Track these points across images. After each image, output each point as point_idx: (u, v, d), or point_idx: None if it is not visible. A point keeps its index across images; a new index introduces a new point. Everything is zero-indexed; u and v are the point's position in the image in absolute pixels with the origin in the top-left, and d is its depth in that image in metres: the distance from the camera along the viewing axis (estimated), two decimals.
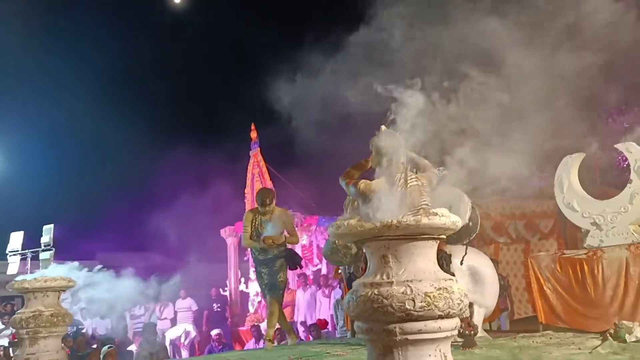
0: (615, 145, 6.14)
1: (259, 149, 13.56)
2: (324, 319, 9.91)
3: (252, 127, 13.54)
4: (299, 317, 10.82)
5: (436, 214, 2.52)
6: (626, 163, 12.18)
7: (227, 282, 13.28)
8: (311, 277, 11.83)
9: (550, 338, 5.36)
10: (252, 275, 13.06)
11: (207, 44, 19.13)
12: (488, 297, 5.66)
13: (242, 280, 13.37)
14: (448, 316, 2.44)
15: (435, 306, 2.40)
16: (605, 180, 9.17)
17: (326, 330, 9.50)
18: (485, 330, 6.02)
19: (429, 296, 2.41)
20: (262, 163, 13.42)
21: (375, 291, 2.47)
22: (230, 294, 13.10)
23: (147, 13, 17.95)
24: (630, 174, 6.09)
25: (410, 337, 2.42)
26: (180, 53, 19.49)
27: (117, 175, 17.99)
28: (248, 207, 13.85)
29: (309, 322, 10.38)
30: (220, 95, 19.56)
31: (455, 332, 2.54)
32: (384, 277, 2.52)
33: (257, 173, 13.43)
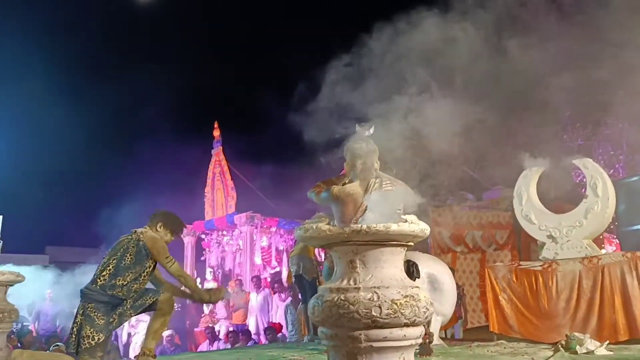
0: (573, 161, 6.30)
1: (221, 147, 13.39)
2: (279, 323, 9.83)
3: (215, 125, 13.37)
4: (250, 320, 10.71)
5: (405, 221, 2.50)
6: (580, 178, 12.62)
7: None
8: (268, 279, 11.73)
9: (505, 348, 5.45)
10: (209, 275, 12.87)
11: (172, 40, 18.83)
12: (446, 305, 5.72)
13: (198, 280, 13.15)
14: (414, 324, 2.42)
15: (402, 314, 2.37)
16: (560, 194, 9.46)
17: (281, 334, 9.42)
18: (441, 338, 6.08)
19: (396, 303, 2.38)
20: (223, 162, 13.26)
21: (342, 297, 2.43)
22: None
23: (112, 7, 17.54)
24: (585, 189, 6.27)
25: (375, 344, 2.39)
26: (142, 49, 19.12)
27: (71, 168, 17.47)
28: (208, 206, 13.65)
29: (262, 325, 10.29)
30: (183, 92, 19.30)
31: (420, 340, 2.53)
32: (351, 282, 2.48)
33: (219, 172, 13.26)
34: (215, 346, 9.84)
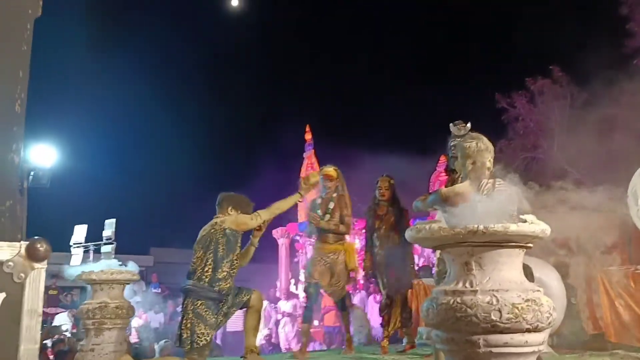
0: None
1: (313, 150, 13.56)
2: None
3: (307, 128, 13.57)
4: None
5: (525, 221, 2.39)
6: None
7: (278, 283, 13.32)
8: (362, 281, 11.71)
9: (622, 358, 5.08)
10: (302, 276, 13.05)
11: (264, 45, 19.41)
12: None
13: (292, 281, 13.38)
14: (536, 330, 2.31)
15: (523, 318, 2.27)
16: None
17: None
18: (549, 346, 5.78)
19: (517, 307, 2.28)
20: (315, 165, 13.41)
21: (458, 299, 2.36)
22: (281, 295, 13.13)
23: (207, 10, 18.37)
24: None
25: (494, 350, 2.30)
26: (239, 54, 19.85)
27: (174, 172, 18.44)
28: (301, 208, 13.86)
29: None
30: (278, 96, 19.84)
31: (543, 347, 2.40)
32: (467, 285, 2.40)
33: None
34: (311, 347, 9.96)
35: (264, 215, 4.30)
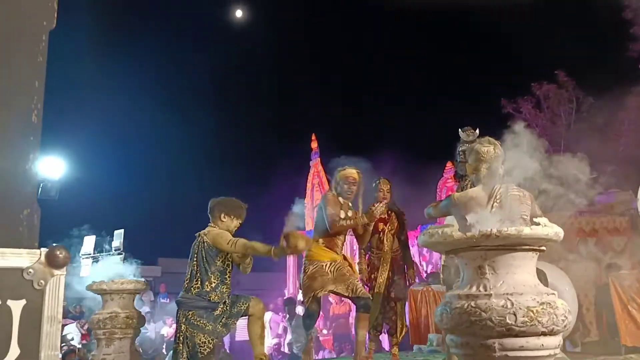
0: None
1: (319, 159, 13.58)
2: None
3: (313, 137, 13.61)
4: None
5: (538, 224, 2.40)
6: None
7: (285, 292, 13.30)
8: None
9: None
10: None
11: (269, 55, 19.52)
12: None
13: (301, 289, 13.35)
14: (552, 333, 2.30)
15: (539, 322, 2.26)
16: None
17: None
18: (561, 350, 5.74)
19: (532, 311, 2.27)
20: (322, 173, 13.43)
21: (472, 303, 2.36)
22: None
23: (212, 23, 18.53)
24: None
25: (510, 353, 2.29)
26: (242, 63, 19.96)
27: (182, 182, 18.50)
28: (307, 216, 13.87)
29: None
30: (283, 105, 19.93)
31: (558, 351, 2.40)
32: (481, 289, 2.40)
33: (317, 183, 13.45)
34: (320, 355, 9.93)
35: (239, 248, 4.03)
